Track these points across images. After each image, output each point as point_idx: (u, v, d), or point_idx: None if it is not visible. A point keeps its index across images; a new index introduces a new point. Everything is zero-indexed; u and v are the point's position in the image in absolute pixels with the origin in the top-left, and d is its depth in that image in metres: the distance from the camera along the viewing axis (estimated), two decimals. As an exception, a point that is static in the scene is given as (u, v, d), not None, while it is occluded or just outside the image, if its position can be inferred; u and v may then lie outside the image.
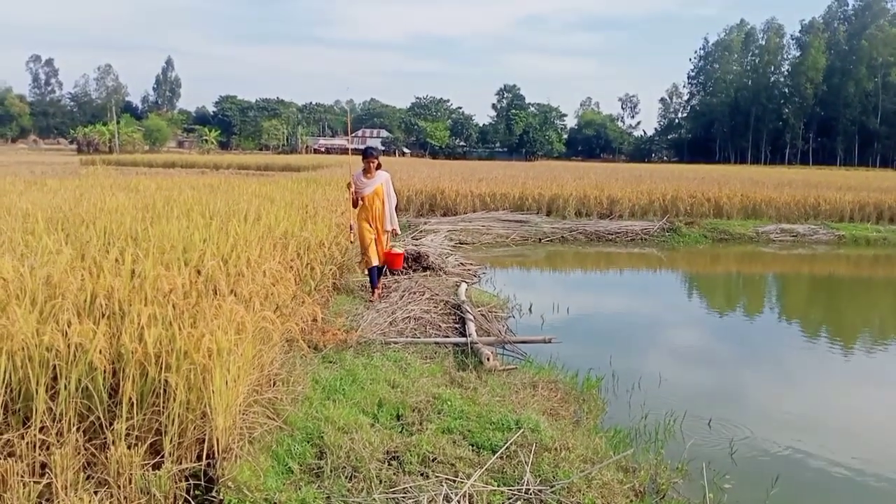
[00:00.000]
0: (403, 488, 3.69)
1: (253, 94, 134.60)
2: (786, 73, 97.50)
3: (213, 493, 3.62)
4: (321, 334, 6.44)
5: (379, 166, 8.64)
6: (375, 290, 8.59)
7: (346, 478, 3.80)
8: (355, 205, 8.62)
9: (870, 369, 7.90)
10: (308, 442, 4.20)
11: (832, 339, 9.35)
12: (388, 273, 9.42)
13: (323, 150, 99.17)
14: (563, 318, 9.34)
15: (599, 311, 10.65)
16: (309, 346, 5.96)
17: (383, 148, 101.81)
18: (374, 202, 8.58)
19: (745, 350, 8.66)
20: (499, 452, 4.06)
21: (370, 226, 8.58)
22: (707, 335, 9.46)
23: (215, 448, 3.79)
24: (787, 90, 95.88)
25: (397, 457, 4.10)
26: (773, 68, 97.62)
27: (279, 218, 8.07)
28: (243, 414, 4.16)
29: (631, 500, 4.04)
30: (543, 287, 12.48)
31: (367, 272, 8.79)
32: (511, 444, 4.29)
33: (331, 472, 3.84)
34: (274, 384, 4.87)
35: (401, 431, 4.49)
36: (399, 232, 9.23)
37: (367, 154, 8.60)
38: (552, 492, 3.80)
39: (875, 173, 50.51)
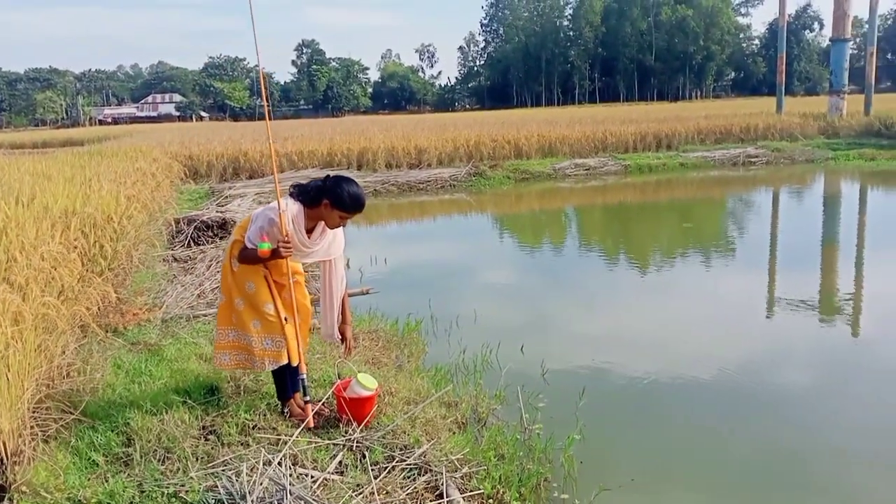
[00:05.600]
0: (223, 461, 3.54)
1: (21, 65, 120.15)
2: (569, 17, 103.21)
3: (6, 502, 3.26)
4: (120, 316, 5.98)
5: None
6: (289, 402, 4.12)
7: (159, 461, 3.57)
8: (250, 260, 3.81)
9: (660, 284, 8.72)
10: (113, 431, 3.90)
11: (628, 260, 10.21)
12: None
13: (109, 120, 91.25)
14: (382, 270, 9.39)
15: (417, 260, 10.82)
16: (107, 330, 5.51)
17: (178, 113, 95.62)
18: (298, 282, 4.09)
19: (552, 279, 9.22)
20: (316, 408, 4.00)
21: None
22: (518, 270, 9.94)
23: (2, 454, 3.40)
24: (571, 34, 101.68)
25: (214, 431, 3.92)
26: (557, 13, 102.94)
27: (57, 195, 7.29)
28: (33, 412, 3.76)
29: (454, 433, 4.17)
30: (360, 241, 12.44)
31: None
32: (331, 397, 4.25)
33: (141, 457, 3.59)
34: (68, 375, 4.44)
35: (217, 405, 4.29)
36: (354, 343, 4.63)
37: (355, 202, 3.70)
38: (378, 437, 3.83)
39: (653, 106, 55.38)
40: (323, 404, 4.14)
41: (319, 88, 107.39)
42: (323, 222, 3.84)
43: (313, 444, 3.72)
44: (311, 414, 3.89)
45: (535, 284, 9.01)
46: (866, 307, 7.42)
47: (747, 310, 7.33)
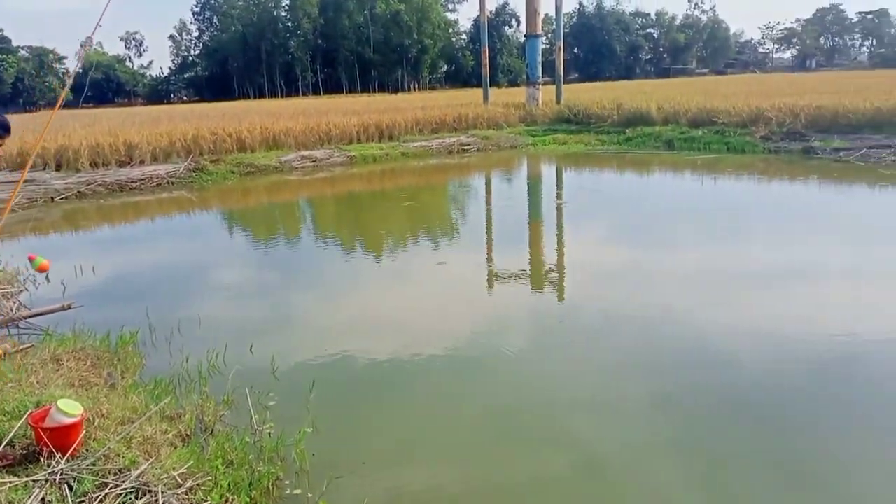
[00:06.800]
0: None
1: None
2: (286, 7, 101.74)
3: None
4: None
5: None
6: None
7: None
8: None
9: (389, 268, 9.03)
10: None
11: (359, 248, 10.41)
12: None
13: None
14: (90, 281, 8.55)
15: (132, 267, 9.97)
16: None
17: None
18: None
19: (283, 274, 9.10)
20: (5, 441, 3.53)
21: None
22: (246, 267, 9.64)
23: None
24: (290, 24, 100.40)
25: None
26: (273, 3, 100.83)
27: None
28: None
29: (177, 447, 3.95)
30: (64, 251, 11.19)
31: None
32: (25, 428, 3.78)
33: None
34: None
35: None
36: None
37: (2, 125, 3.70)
38: (87, 466, 3.48)
39: (375, 98, 56.81)
40: (10, 443, 3.64)
41: (7, 81, 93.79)
42: None
43: (8, 485, 3.28)
44: None
45: (265, 280, 8.83)
46: (568, 275, 8.39)
47: (470, 286, 7.90)
